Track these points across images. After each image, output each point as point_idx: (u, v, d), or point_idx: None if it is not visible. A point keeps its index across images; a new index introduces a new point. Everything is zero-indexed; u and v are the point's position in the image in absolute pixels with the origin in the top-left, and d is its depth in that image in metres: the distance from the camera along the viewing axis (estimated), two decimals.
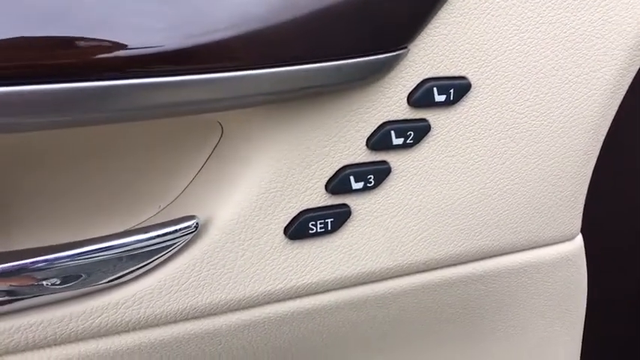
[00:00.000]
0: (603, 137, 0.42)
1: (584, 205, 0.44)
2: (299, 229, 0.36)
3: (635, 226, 0.54)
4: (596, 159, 0.42)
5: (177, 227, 0.33)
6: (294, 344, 0.41)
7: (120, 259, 0.32)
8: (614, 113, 0.41)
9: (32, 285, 0.31)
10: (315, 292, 0.38)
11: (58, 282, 0.31)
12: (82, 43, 0.26)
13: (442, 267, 0.42)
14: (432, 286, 0.42)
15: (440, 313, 0.44)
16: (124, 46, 0.26)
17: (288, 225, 0.36)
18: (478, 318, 0.46)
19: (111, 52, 0.26)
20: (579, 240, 0.46)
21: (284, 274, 0.37)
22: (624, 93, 0.41)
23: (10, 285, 0.31)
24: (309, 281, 0.37)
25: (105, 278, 0.32)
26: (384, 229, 0.38)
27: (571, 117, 0.40)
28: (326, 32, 0.30)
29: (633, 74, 0.40)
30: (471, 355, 0.49)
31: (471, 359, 0.49)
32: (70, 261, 0.31)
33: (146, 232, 0.33)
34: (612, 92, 0.40)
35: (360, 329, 0.42)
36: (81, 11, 0.26)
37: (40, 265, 0.31)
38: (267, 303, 0.37)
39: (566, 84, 0.39)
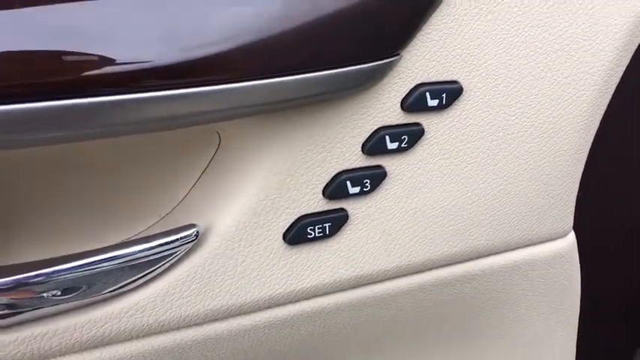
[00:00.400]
0: (593, 136, 0.42)
1: (576, 203, 0.45)
2: (297, 234, 0.36)
3: (625, 224, 0.55)
4: (586, 157, 0.43)
5: (178, 236, 0.33)
6: (295, 347, 0.41)
7: (121, 269, 0.33)
8: (602, 113, 0.42)
9: (34, 298, 0.31)
10: (315, 295, 0.39)
11: (60, 294, 0.32)
12: (80, 59, 0.26)
13: (438, 267, 0.42)
14: (429, 286, 0.42)
15: (437, 312, 0.45)
16: (122, 61, 0.27)
17: (286, 231, 0.36)
18: (474, 316, 0.47)
19: (109, 67, 0.26)
20: (572, 237, 0.46)
21: (284, 279, 0.37)
22: (612, 93, 0.41)
23: (13, 298, 0.31)
24: (309, 285, 0.38)
25: (107, 289, 0.33)
26: (380, 231, 0.39)
27: (561, 117, 0.40)
28: (321, 42, 0.30)
29: (620, 74, 0.41)
30: (468, 353, 0.50)
31: (467, 357, 0.50)
32: (72, 273, 0.32)
33: (147, 242, 0.33)
34: (601, 92, 0.41)
35: (360, 330, 0.43)
36: (79, 26, 0.26)
37: (41, 278, 0.31)
38: (268, 307, 0.38)
39: (555, 85, 0.39)
